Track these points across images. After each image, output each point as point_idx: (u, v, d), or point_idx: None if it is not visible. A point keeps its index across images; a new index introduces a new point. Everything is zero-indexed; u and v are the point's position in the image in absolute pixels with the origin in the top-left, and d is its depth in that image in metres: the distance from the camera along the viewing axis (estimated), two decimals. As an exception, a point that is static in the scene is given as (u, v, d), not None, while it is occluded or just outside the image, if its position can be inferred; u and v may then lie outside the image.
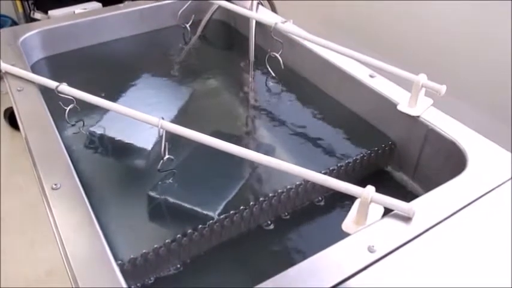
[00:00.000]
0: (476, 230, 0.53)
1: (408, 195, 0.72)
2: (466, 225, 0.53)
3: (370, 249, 0.49)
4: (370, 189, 0.54)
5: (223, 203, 0.63)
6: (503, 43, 0.93)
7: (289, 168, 0.59)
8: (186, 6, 1.08)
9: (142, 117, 0.68)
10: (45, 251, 1.41)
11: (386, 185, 0.75)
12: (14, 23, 2.08)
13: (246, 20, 1.00)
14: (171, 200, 0.64)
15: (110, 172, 0.71)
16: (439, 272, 0.48)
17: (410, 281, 0.47)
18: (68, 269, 0.48)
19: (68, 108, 0.76)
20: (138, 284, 0.57)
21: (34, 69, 0.93)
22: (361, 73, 0.80)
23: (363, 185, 0.55)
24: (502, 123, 0.95)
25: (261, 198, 0.64)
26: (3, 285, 1.31)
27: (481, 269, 0.49)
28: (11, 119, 1.93)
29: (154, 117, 0.66)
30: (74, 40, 1.03)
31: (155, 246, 0.57)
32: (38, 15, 1.77)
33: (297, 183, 0.66)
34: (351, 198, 0.56)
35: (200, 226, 0.60)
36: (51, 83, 0.76)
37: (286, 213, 0.67)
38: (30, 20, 1.84)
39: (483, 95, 1.00)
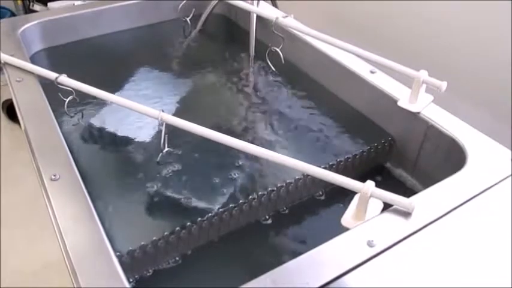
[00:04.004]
0: (476, 226, 0.53)
1: (407, 192, 0.72)
2: (465, 221, 0.53)
3: (370, 244, 0.49)
4: (370, 184, 0.54)
5: (223, 197, 0.63)
6: (504, 41, 0.93)
7: (289, 162, 0.58)
8: (186, -1, 1.08)
9: (143, 109, 0.67)
10: (41, 243, 1.40)
11: (386, 181, 0.75)
12: (13, 15, 2.07)
13: (247, 14, 0.99)
14: (170, 192, 0.64)
15: (109, 164, 0.71)
16: (438, 267, 0.48)
17: (410, 276, 0.47)
18: (66, 260, 0.48)
19: (67, 100, 0.76)
20: (136, 276, 0.57)
21: (33, 60, 0.93)
22: (361, 69, 0.80)
23: (362, 180, 0.55)
24: (501, 121, 0.95)
25: (260, 192, 0.64)
26: (-1, 277, 1.31)
27: (480, 265, 0.49)
28: (9, 111, 1.92)
29: (155, 110, 0.66)
30: (73, 32, 1.02)
31: (154, 238, 0.57)
32: (37, 7, 1.76)
33: (297, 177, 0.66)
34: (350, 193, 0.56)
35: (199, 219, 0.59)
36: (51, 74, 0.75)
37: (285, 208, 0.67)
38: (29, 11, 1.83)
39: (483, 92, 1.00)
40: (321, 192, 0.70)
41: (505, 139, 0.67)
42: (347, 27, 1.33)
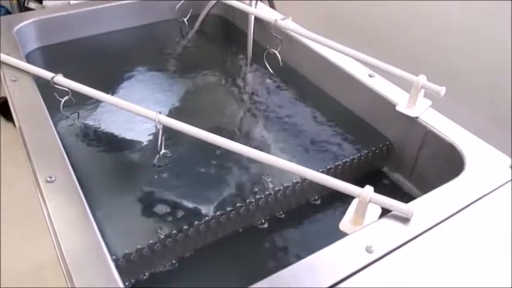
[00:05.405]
0: (474, 233, 0.53)
1: (404, 196, 0.72)
2: (463, 227, 0.53)
3: (368, 250, 0.49)
4: (369, 189, 0.53)
5: (220, 200, 0.63)
6: (503, 45, 0.93)
7: (287, 166, 0.58)
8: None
9: (140, 110, 0.67)
10: (35, 244, 1.39)
11: (383, 185, 0.75)
12: (8, 13, 2.05)
13: (245, 15, 0.99)
14: (166, 195, 0.63)
15: (105, 166, 0.70)
16: (437, 273, 0.48)
17: (408, 282, 0.47)
18: (62, 264, 0.47)
19: (63, 100, 0.75)
20: (132, 280, 0.57)
21: (29, 59, 0.92)
22: (360, 72, 0.80)
23: (358, 185, 0.55)
24: (500, 126, 0.95)
25: (257, 196, 0.63)
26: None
27: (478, 271, 0.49)
28: (2, 109, 1.90)
29: (152, 111, 0.66)
30: (69, 31, 1.01)
31: (150, 241, 0.56)
32: (32, 4, 1.75)
33: (294, 181, 0.66)
34: (346, 198, 0.56)
35: (196, 222, 0.59)
36: (47, 74, 0.75)
37: (282, 212, 0.67)
38: (24, 9, 1.82)
39: (482, 97, 1.00)
40: (317, 197, 0.70)
41: (504, 144, 0.68)
42: (345, 31, 1.33)
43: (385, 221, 0.53)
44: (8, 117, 1.90)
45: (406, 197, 0.72)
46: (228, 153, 0.68)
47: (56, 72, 0.75)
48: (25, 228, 1.45)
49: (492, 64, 0.97)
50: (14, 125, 0.68)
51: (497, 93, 0.96)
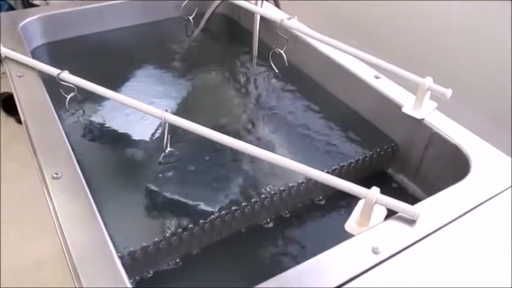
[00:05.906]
0: (480, 235, 0.53)
1: (408, 198, 0.72)
2: (469, 229, 0.53)
3: (375, 251, 0.49)
4: (375, 190, 0.53)
5: (225, 199, 0.63)
6: (503, 45, 0.93)
7: (293, 165, 0.58)
8: (189, -2, 1.07)
9: (146, 108, 0.67)
10: (36, 241, 1.39)
11: (387, 187, 0.75)
12: (11, 8, 2.05)
13: (250, 14, 0.99)
14: (172, 193, 0.63)
15: (111, 163, 0.70)
16: (443, 275, 0.48)
17: (414, 283, 0.47)
18: (68, 261, 0.47)
19: (68, 97, 0.75)
20: (136, 278, 0.57)
21: (34, 55, 0.92)
22: (366, 73, 0.80)
23: (363, 186, 0.55)
24: (500, 127, 0.95)
25: (262, 195, 0.63)
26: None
27: (483, 273, 0.49)
28: (5, 104, 1.90)
29: (158, 109, 0.66)
30: (74, 27, 1.01)
31: (155, 239, 0.56)
32: (37, 1, 1.75)
33: (299, 181, 0.66)
34: (350, 198, 0.56)
35: (201, 221, 0.59)
36: (53, 70, 0.75)
37: (287, 212, 0.67)
38: (28, 5, 1.82)
39: (482, 98, 1.00)
40: (321, 197, 0.70)
41: (504, 145, 0.67)
42: (348, 29, 1.33)
43: (391, 222, 0.53)
44: (9, 112, 1.89)
45: (411, 199, 0.72)
46: (233, 152, 0.69)
47: (61, 68, 0.75)
48: (25, 225, 1.44)
49: (492, 64, 0.97)
50: (15, 120, 0.67)
51: (497, 93, 0.96)
